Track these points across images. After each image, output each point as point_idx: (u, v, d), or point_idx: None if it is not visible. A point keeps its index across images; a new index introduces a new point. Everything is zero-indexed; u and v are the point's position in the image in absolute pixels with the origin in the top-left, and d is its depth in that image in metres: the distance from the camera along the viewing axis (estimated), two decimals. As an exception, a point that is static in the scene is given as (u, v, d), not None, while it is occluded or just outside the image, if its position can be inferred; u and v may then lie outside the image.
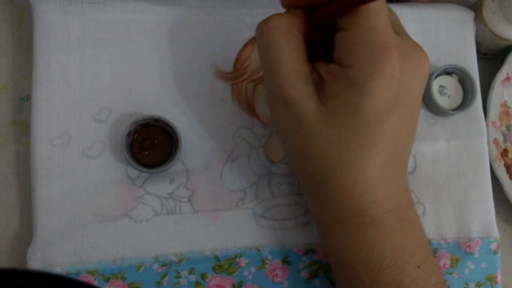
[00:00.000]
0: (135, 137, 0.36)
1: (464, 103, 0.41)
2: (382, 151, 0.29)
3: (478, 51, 0.43)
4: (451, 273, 0.39)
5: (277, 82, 0.29)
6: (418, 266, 0.31)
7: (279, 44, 0.29)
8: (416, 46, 0.30)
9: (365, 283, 0.30)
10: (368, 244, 0.30)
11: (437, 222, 0.40)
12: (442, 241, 0.39)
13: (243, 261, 0.37)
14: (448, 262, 0.39)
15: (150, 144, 0.36)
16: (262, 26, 0.30)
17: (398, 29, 0.30)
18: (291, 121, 0.29)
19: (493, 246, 0.40)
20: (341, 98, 0.28)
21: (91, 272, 0.35)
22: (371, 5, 0.27)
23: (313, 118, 0.29)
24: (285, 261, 0.37)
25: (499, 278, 0.40)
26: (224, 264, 0.37)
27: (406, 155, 0.32)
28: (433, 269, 0.32)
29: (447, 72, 0.41)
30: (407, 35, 0.31)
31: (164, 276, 0.36)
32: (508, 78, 0.43)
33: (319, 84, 0.29)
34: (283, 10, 0.40)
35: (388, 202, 0.30)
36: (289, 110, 0.29)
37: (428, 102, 0.40)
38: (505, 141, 0.43)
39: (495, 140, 0.42)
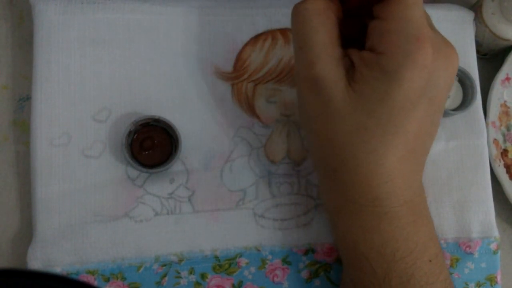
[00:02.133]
0: (135, 137, 0.36)
1: (464, 103, 0.41)
2: (404, 143, 0.29)
3: (478, 51, 0.43)
4: (451, 273, 0.39)
5: (308, 61, 0.29)
6: (430, 261, 0.31)
7: (314, 25, 0.29)
8: (448, 43, 0.30)
9: (377, 274, 0.30)
10: (381, 234, 0.30)
11: (437, 222, 0.40)
12: (442, 241, 0.39)
13: (243, 261, 0.37)
14: (448, 262, 0.39)
15: (150, 144, 0.36)
16: (299, 7, 0.30)
17: (431, 23, 0.31)
18: (317, 103, 0.30)
19: (493, 246, 0.40)
20: (370, 84, 0.28)
21: (91, 272, 0.35)
22: None
23: (340, 101, 0.29)
24: (285, 261, 0.37)
25: (499, 278, 0.40)
26: (224, 264, 0.37)
27: (425, 153, 0.32)
28: (443, 265, 0.32)
29: (447, 72, 0.41)
30: (439, 32, 0.31)
31: (164, 276, 0.36)
32: (508, 78, 0.43)
33: (349, 69, 0.30)
34: (284, 12, 0.40)
35: (403, 195, 0.30)
36: (317, 90, 0.29)
37: (428, 102, 0.40)
38: (505, 141, 0.43)
39: (495, 140, 0.42)
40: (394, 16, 0.28)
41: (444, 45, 0.30)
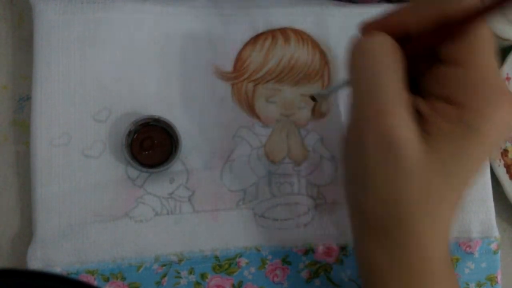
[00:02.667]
0: (135, 137, 0.36)
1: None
2: (459, 197, 0.27)
3: (478, 51, 0.43)
4: (451, 273, 0.39)
5: (380, 109, 0.25)
6: None
7: (387, 66, 0.26)
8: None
9: None
10: None
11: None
12: (442, 241, 0.39)
13: (243, 261, 0.37)
14: (448, 262, 0.39)
15: (150, 144, 0.36)
16: (366, 42, 0.26)
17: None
18: (383, 155, 0.25)
19: (493, 246, 0.40)
20: (448, 138, 0.25)
21: (91, 272, 0.35)
22: (480, 31, 0.25)
23: (413, 159, 0.25)
24: (285, 261, 0.37)
25: (499, 278, 0.40)
26: (224, 264, 0.37)
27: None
28: None
29: (447, 72, 0.41)
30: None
31: (164, 276, 0.36)
32: (508, 78, 0.43)
33: (418, 120, 0.26)
34: (284, 12, 0.40)
35: (447, 251, 0.29)
36: (387, 143, 0.25)
37: (428, 102, 0.40)
38: (505, 141, 0.43)
39: (495, 140, 0.42)
40: (474, 63, 0.25)
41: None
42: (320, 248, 0.38)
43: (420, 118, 0.26)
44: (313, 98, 0.38)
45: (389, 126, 0.25)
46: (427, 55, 0.27)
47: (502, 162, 0.42)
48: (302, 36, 0.40)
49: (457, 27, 0.25)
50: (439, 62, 0.26)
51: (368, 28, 0.28)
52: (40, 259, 0.34)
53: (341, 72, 0.40)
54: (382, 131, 0.25)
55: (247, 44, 0.39)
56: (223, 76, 0.39)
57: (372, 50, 0.26)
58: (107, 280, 0.35)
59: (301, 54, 0.39)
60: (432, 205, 0.26)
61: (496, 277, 0.40)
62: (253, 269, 0.37)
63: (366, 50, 0.26)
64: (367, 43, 0.26)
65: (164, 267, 0.36)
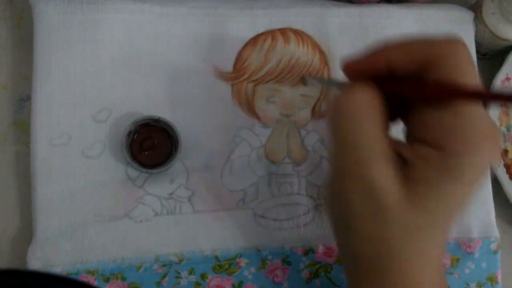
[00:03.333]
0: (135, 137, 0.36)
1: (464, 103, 0.41)
2: (444, 237, 0.28)
3: (478, 51, 0.43)
4: (451, 273, 0.39)
5: (360, 162, 0.26)
6: None
7: (365, 121, 0.26)
8: (499, 131, 0.28)
9: None
10: None
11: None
12: (442, 241, 0.39)
13: (243, 261, 0.37)
14: (449, 262, 0.39)
15: (150, 144, 0.36)
16: (344, 100, 0.27)
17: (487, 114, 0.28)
18: (367, 205, 0.26)
19: (493, 246, 0.40)
20: (432, 184, 0.26)
21: (91, 272, 0.35)
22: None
23: (397, 204, 0.26)
24: (285, 261, 0.37)
25: (499, 278, 0.40)
26: (224, 264, 0.37)
27: None
28: None
29: (447, 72, 0.41)
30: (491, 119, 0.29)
31: (164, 276, 0.36)
32: (508, 78, 0.43)
33: (402, 167, 0.27)
34: (284, 12, 0.40)
35: (441, 281, 0.29)
36: (369, 193, 0.26)
37: (428, 102, 0.40)
38: (505, 141, 0.43)
39: (495, 140, 0.42)
40: (457, 109, 0.25)
41: (499, 137, 0.28)
42: (320, 248, 0.38)
43: (403, 162, 0.27)
44: (303, 80, 0.38)
45: (369, 178, 0.26)
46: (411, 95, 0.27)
47: (502, 162, 0.42)
48: (302, 36, 0.40)
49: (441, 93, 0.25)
50: (423, 103, 0.26)
51: (350, 68, 0.28)
52: (40, 259, 0.34)
53: (340, 72, 0.40)
54: (362, 183, 0.26)
55: (247, 44, 0.39)
56: (223, 76, 0.39)
57: (351, 107, 0.27)
58: (107, 280, 0.35)
59: (301, 54, 0.39)
60: (418, 244, 0.27)
61: (496, 277, 0.40)
62: (253, 269, 0.37)
63: (344, 107, 0.27)
64: (345, 100, 0.27)
65: (164, 267, 0.36)
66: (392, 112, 0.28)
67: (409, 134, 0.28)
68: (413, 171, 0.26)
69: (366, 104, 0.27)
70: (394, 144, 0.27)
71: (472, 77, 0.25)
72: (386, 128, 0.28)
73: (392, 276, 0.27)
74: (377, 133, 0.26)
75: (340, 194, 0.28)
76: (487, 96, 0.24)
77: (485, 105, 0.24)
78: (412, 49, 0.26)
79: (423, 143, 0.26)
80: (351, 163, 0.27)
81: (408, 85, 0.27)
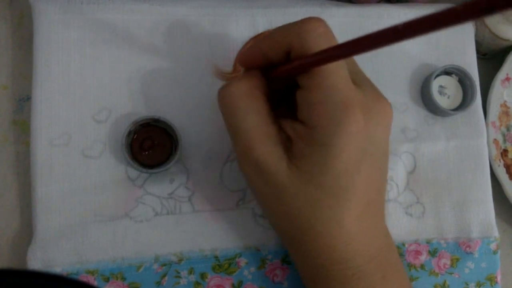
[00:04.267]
0: (135, 137, 0.36)
1: (464, 103, 0.41)
2: (356, 203, 0.29)
3: (478, 51, 0.43)
4: (451, 273, 0.39)
5: (246, 146, 0.29)
6: None
7: (243, 109, 0.29)
8: (379, 97, 0.30)
9: None
10: None
11: (437, 222, 0.40)
12: (442, 241, 0.39)
13: (243, 261, 0.37)
14: (448, 262, 0.39)
15: (150, 144, 0.36)
16: (223, 92, 0.30)
17: (360, 80, 0.30)
18: (264, 183, 0.29)
19: (493, 246, 0.40)
20: (310, 159, 0.28)
21: (91, 272, 0.35)
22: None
23: (286, 179, 0.29)
24: (285, 261, 0.37)
25: (499, 278, 0.40)
26: (224, 264, 0.37)
27: (381, 199, 0.32)
28: None
29: (447, 72, 0.41)
30: (370, 85, 0.31)
31: (164, 276, 0.36)
32: (508, 78, 0.43)
33: (287, 143, 0.29)
34: (284, 12, 0.40)
35: (368, 251, 0.30)
36: (261, 172, 0.29)
37: (428, 102, 0.40)
38: (505, 141, 0.43)
39: (495, 140, 0.42)
40: (318, 85, 0.27)
41: (375, 101, 0.29)
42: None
43: (289, 140, 0.29)
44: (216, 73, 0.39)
45: (257, 159, 0.29)
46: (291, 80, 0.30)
47: (502, 162, 0.42)
48: (302, 36, 0.40)
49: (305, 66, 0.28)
50: (298, 86, 0.29)
51: (239, 60, 0.32)
52: (40, 259, 0.34)
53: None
54: (253, 163, 0.29)
55: (247, 44, 0.39)
56: (223, 76, 0.39)
57: (229, 98, 0.30)
58: (107, 280, 0.35)
59: (301, 54, 0.40)
60: (321, 214, 0.29)
61: (496, 277, 0.40)
62: (253, 269, 0.37)
63: (224, 99, 0.30)
64: (224, 92, 0.30)
65: (164, 267, 0.36)
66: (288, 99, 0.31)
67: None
68: (294, 147, 0.29)
69: (243, 93, 0.29)
70: (281, 124, 0.30)
71: (324, 45, 0.27)
72: (269, 112, 0.30)
73: (312, 248, 0.30)
74: (258, 118, 0.29)
75: (245, 177, 0.31)
76: (332, 50, 0.26)
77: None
78: (275, 39, 0.29)
79: (299, 122, 0.29)
80: (240, 149, 0.29)
81: (276, 71, 0.30)
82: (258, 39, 0.30)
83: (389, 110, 0.30)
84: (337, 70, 0.28)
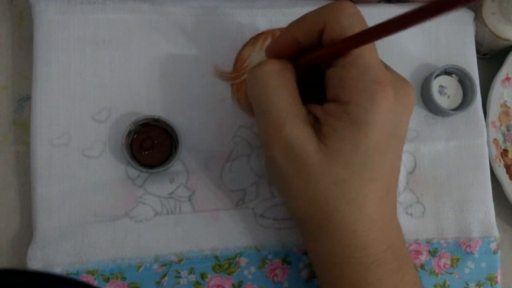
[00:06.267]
0: (135, 137, 0.36)
1: (464, 103, 0.41)
2: (380, 185, 0.29)
3: (478, 51, 0.43)
4: (451, 273, 0.39)
5: (276, 124, 0.29)
6: None
7: (275, 87, 0.29)
8: (403, 80, 0.31)
9: None
10: (368, 286, 0.30)
11: (437, 222, 0.40)
12: (442, 241, 0.39)
13: (243, 261, 0.37)
14: (449, 262, 0.39)
15: (150, 144, 0.36)
16: (256, 70, 0.30)
17: (385, 65, 0.31)
18: (292, 163, 0.29)
19: (493, 246, 0.40)
20: (341, 135, 0.28)
21: (91, 272, 0.35)
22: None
23: (315, 158, 0.29)
24: (285, 260, 0.37)
25: (499, 278, 0.40)
26: (224, 264, 0.37)
27: (396, 190, 0.32)
28: None
29: (447, 72, 0.41)
30: (393, 70, 0.31)
31: (164, 276, 0.36)
32: (508, 78, 0.43)
33: (315, 125, 0.30)
34: (284, 12, 0.40)
35: (385, 239, 0.30)
36: (290, 151, 0.29)
37: (428, 102, 0.40)
38: (505, 141, 0.43)
39: (495, 140, 0.42)
40: (352, 63, 0.28)
41: (401, 83, 0.30)
42: (320, 248, 0.38)
43: (317, 122, 0.30)
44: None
45: (287, 136, 0.29)
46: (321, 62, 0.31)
47: (502, 162, 0.42)
48: (302, 36, 0.40)
49: (338, 50, 0.28)
50: (330, 66, 0.30)
51: (268, 51, 0.32)
52: (40, 259, 0.34)
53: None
54: (282, 142, 0.29)
55: (247, 44, 0.39)
56: (223, 76, 0.39)
57: (262, 76, 0.30)
58: (107, 280, 0.35)
59: (301, 54, 0.40)
60: (347, 196, 0.29)
61: (496, 277, 0.40)
62: (253, 269, 0.37)
63: (257, 77, 0.30)
64: (257, 71, 0.30)
65: (164, 267, 0.36)
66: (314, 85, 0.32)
67: (324, 99, 0.31)
68: (325, 126, 0.29)
69: (276, 72, 0.30)
70: (308, 108, 0.30)
71: (358, 27, 0.28)
72: (299, 95, 0.30)
73: (333, 231, 0.30)
74: (289, 97, 0.29)
75: (270, 159, 0.30)
76: (370, 31, 0.26)
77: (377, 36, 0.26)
78: (306, 23, 0.30)
79: (330, 102, 0.29)
80: (270, 128, 0.29)
81: (310, 55, 0.30)
82: (288, 26, 0.31)
83: (413, 94, 0.31)
84: (371, 49, 0.28)
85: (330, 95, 0.30)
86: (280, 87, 0.30)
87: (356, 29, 0.28)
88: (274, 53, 0.32)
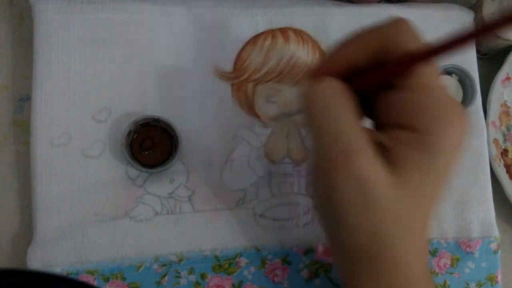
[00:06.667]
0: (135, 137, 0.36)
1: (464, 103, 0.41)
2: (431, 214, 0.28)
3: (478, 51, 0.43)
4: (451, 273, 0.39)
5: (346, 152, 0.25)
6: None
7: (342, 108, 0.26)
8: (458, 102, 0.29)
9: None
10: None
11: (437, 221, 0.40)
12: (443, 241, 0.39)
13: (243, 261, 0.37)
14: (449, 262, 0.39)
15: (150, 144, 0.36)
16: (315, 88, 0.27)
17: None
18: (358, 195, 0.26)
19: (493, 246, 0.40)
20: (415, 166, 0.26)
21: (91, 272, 0.35)
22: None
23: (385, 190, 0.26)
24: (285, 261, 0.37)
25: (499, 278, 0.40)
26: (224, 264, 0.37)
27: None
28: None
29: (447, 72, 0.41)
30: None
31: (164, 276, 0.36)
32: (508, 78, 0.43)
33: (379, 151, 0.26)
34: (284, 12, 0.40)
35: (427, 266, 0.29)
36: (359, 182, 0.25)
37: (428, 102, 0.40)
38: (505, 141, 0.43)
39: (495, 140, 0.42)
40: (420, 85, 0.25)
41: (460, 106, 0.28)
42: (320, 248, 0.38)
43: (382, 150, 0.26)
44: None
45: (357, 169, 0.25)
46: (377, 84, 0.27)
47: (502, 162, 0.42)
48: (302, 36, 0.40)
49: (401, 67, 0.26)
50: (389, 88, 0.27)
51: (316, 74, 0.28)
52: (40, 259, 0.34)
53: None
54: (350, 174, 0.25)
55: (247, 44, 0.39)
56: (223, 76, 0.39)
57: (322, 94, 0.26)
58: (107, 280, 0.35)
59: (301, 54, 0.39)
60: (409, 231, 0.27)
61: (496, 277, 0.40)
62: (253, 269, 0.37)
63: (317, 95, 0.27)
64: (316, 89, 0.27)
65: (164, 267, 0.36)
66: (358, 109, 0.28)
67: (378, 125, 0.28)
68: (395, 156, 0.26)
69: (339, 92, 0.26)
70: (369, 133, 0.27)
71: (419, 44, 0.26)
72: (360, 119, 0.27)
73: (386, 264, 0.27)
74: (354, 119, 0.26)
75: (328, 187, 0.27)
76: (438, 49, 0.24)
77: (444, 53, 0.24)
78: (362, 41, 0.27)
79: (396, 128, 0.26)
80: (336, 154, 0.26)
81: (369, 75, 0.27)
82: (339, 45, 0.27)
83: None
84: (432, 68, 0.26)
85: (393, 121, 0.27)
86: (346, 109, 0.26)
87: (418, 45, 0.26)
88: (324, 74, 0.28)
